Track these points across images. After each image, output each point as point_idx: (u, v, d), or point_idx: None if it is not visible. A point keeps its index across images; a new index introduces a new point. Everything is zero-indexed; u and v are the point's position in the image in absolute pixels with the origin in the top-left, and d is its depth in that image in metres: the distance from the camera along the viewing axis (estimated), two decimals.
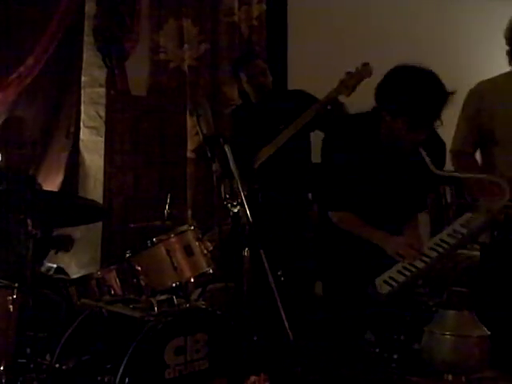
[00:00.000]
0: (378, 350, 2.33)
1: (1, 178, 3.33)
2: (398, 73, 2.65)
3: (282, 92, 4.43)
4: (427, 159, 2.60)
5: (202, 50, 5.26)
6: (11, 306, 2.67)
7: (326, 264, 2.99)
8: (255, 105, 3.99)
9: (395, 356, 2.36)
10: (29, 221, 2.55)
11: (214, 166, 2.66)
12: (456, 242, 2.64)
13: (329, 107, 3.66)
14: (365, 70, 3.58)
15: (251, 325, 2.62)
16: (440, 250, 2.63)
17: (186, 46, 5.23)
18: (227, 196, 3.39)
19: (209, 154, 2.61)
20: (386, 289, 2.55)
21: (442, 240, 2.67)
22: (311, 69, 5.15)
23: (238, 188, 2.61)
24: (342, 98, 3.78)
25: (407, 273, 2.59)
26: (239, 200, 2.73)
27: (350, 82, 3.57)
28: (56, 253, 3.57)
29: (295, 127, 3.69)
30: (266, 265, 2.40)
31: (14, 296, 2.68)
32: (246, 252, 2.55)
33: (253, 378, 2.27)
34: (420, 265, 2.60)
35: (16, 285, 2.70)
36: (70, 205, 2.81)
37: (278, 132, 3.78)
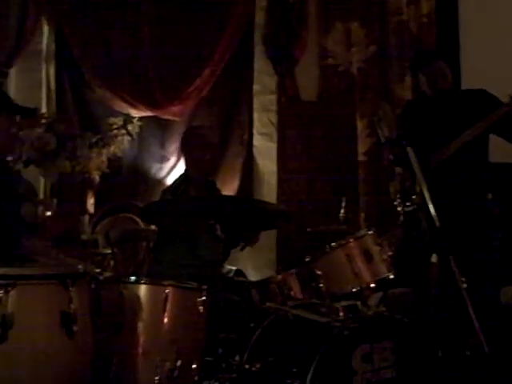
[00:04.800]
0: None
1: (188, 185, 3.51)
2: None
3: (462, 90, 4.23)
4: None
5: (370, 52, 5.22)
6: (201, 307, 2.77)
7: None
8: (433, 101, 3.82)
9: None
10: (218, 226, 2.65)
11: (397, 169, 2.60)
12: None
13: None
14: None
15: (439, 334, 2.52)
16: None
17: (353, 48, 5.21)
18: (398, 196, 3.30)
19: (391, 157, 2.56)
20: None
21: None
22: (487, 65, 4.86)
23: (423, 192, 2.52)
24: None
25: None
26: (420, 202, 2.64)
27: None
28: (242, 249, 3.64)
29: (481, 127, 3.50)
30: (457, 272, 2.29)
31: (204, 298, 2.79)
32: (434, 258, 2.45)
33: None
34: None
35: (205, 287, 2.81)
36: (257, 210, 2.87)
37: (457, 131, 3.61)
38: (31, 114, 2.94)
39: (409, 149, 2.52)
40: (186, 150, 3.66)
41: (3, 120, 2.75)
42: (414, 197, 2.84)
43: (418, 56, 4.12)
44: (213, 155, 3.55)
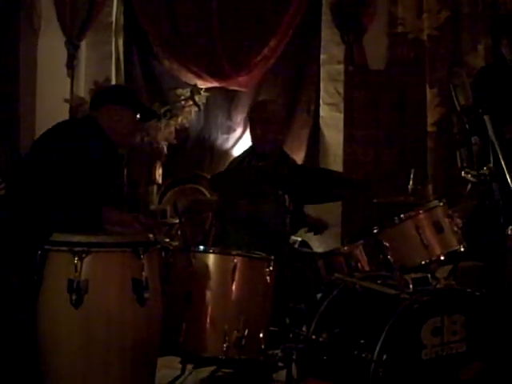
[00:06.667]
0: None
1: (253, 158, 3.51)
2: None
3: None
4: None
5: (442, 19, 5.03)
6: (268, 277, 2.80)
7: None
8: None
9: None
10: (286, 196, 2.64)
11: (473, 139, 2.51)
12: None
13: None
14: None
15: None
16: None
17: (424, 15, 5.04)
18: (465, 165, 3.19)
19: (467, 126, 2.48)
20: None
21: None
22: None
23: (499, 161, 2.44)
24: None
25: None
26: (494, 172, 2.56)
27: None
28: (307, 232, 3.67)
29: None
30: None
31: (271, 268, 2.81)
32: (510, 231, 2.38)
33: None
34: None
35: (272, 257, 2.82)
36: (329, 181, 2.85)
37: None
38: (151, 115, 3.11)
39: (486, 117, 2.44)
40: (250, 126, 3.66)
41: (130, 115, 2.89)
42: (485, 167, 2.73)
43: (503, 18, 3.92)
44: (276, 132, 3.53)
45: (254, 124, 3.57)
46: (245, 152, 3.68)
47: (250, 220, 3.48)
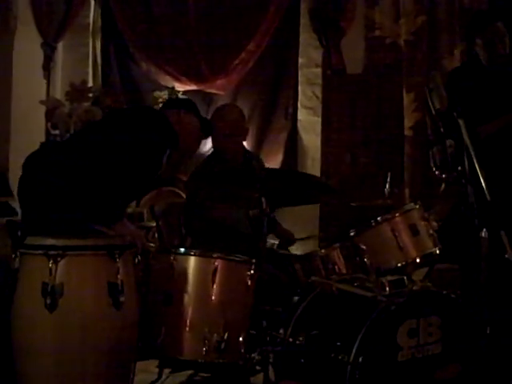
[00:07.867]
0: None
1: (216, 161, 3.48)
2: None
3: None
4: None
5: (418, 23, 5.08)
6: (249, 281, 2.77)
7: None
8: (487, 68, 3.56)
9: None
10: (263, 199, 2.64)
11: (448, 142, 2.53)
12: None
13: None
14: None
15: (488, 310, 2.48)
16: None
17: (402, 20, 5.09)
18: (438, 165, 3.21)
19: (442, 130, 2.50)
20: None
21: None
22: None
23: (473, 165, 2.46)
24: None
25: None
26: (469, 176, 2.59)
27: None
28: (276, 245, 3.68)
29: None
30: (508, 247, 2.23)
31: (252, 271, 2.78)
32: (484, 233, 2.40)
33: None
34: None
35: (254, 260, 2.81)
36: (304, 184, 2.86)
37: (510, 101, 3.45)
38: (208, 127, 3.16)
39: (460, 121, 2.46)
40: (213, 138, 3.57)
41: (195, 121, 2.99)
42: (459, 168, 2.76)
43: (478, 17, 3.90)
44: (242, 139, 3.50)
45: (218, 138, 3.43)
46: (208, 158, 3.64)
47: (223, 223, 3.45)
